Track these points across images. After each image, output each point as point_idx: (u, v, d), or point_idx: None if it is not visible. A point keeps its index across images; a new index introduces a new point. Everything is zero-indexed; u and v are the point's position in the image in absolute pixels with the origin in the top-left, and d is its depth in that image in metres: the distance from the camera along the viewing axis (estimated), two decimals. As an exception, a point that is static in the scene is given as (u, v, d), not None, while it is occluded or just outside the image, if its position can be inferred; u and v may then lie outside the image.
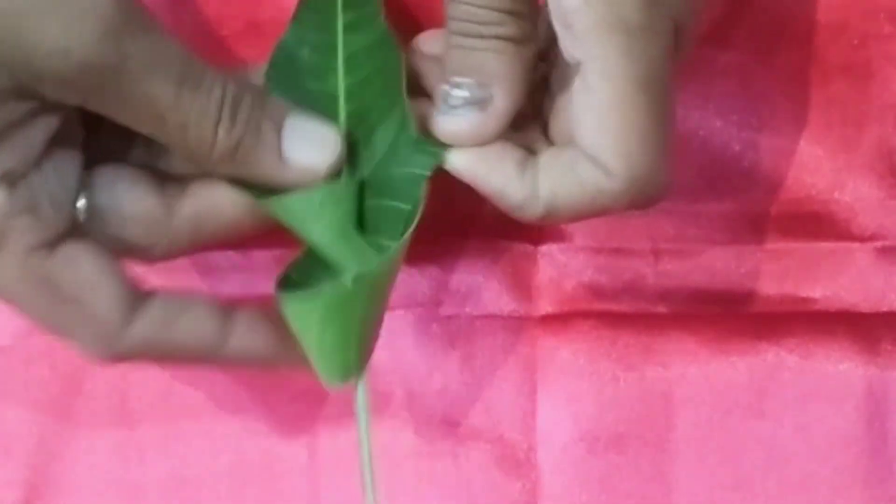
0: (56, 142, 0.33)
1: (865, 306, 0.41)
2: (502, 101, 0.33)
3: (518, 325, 0.41)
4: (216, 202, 0.35)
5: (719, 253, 0.41)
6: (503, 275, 0.41)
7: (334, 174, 0.35)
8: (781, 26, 0.40)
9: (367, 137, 0.36)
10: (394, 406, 0.41)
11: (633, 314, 0.41)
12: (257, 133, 0.34)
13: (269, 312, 0.35)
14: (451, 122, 0.34)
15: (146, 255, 0.35)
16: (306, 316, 0.34)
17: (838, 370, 0.40)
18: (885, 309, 0.41)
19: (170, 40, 0.32)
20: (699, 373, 0.40)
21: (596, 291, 0.41)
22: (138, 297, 0.34)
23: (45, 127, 0.32)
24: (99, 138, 0.35)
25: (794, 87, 0.41)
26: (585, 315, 0.41)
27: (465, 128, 0.34)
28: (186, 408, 0.41)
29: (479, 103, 0.33)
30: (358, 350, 0.35)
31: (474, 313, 0.41)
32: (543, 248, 0.41)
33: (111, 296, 0.33)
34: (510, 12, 0.33)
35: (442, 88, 0.34)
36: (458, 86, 0.34)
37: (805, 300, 0.41)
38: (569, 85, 0.33)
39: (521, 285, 0.41)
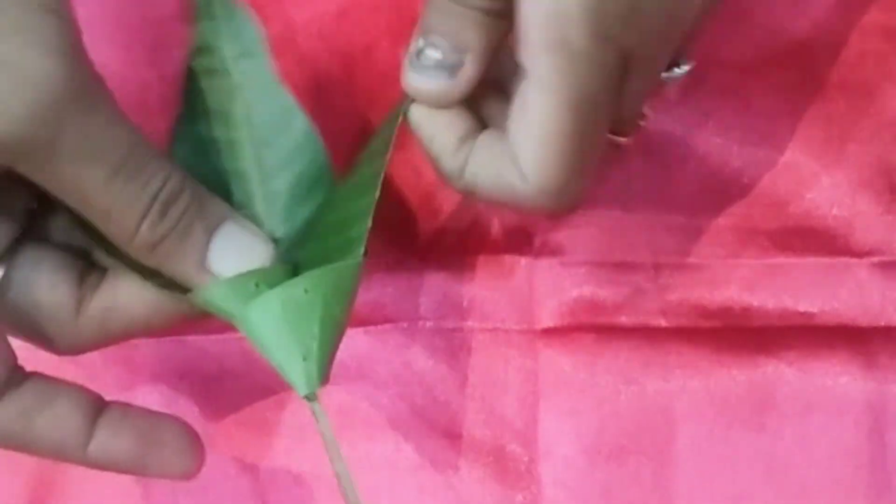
0: None
1: (863, 321, 0.41)
2: (471, 71, 0.34)
3: (519, 338, 0.41)
4: (124, 300, 0.35)
5: (719, 267, 0.41)
6: (504, 288, 0.41)
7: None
8: (780, 44, 0.40)
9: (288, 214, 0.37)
10: (396, 418, 0.41)
11: (634, 328, 0.41)
12: (184, 235, 0.33)
13: (138, 413, 0.34)
14: (420, 80, 0.34)
15: (50, 346, 0.35)
16: (263, 321, 0.33)
17: (837, 384, 0.40)
18: (882, 323, 0.41)
19: (118, 123, 0.32)
20: (699, 386, 0.41)
21: (597, 305, 0.41)
22: (7, 385, 0.32)
23: None
24: (45, 213, 0.35)
25: (792, 105, 0.41)
26: (586, 328, 0.41)
27: (432, 89, 0.34)
28: (192, 418, 0.40)
29: (450, 68, 0.34)
30: (319, 357, 0.33)
31: (476, 327, 0.41)
32: (544, 262, 0.41)
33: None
34: None
35: (417, 44, 0.34)
36: (433, 46, 0.34)
37: (804, 314, 0.41)
38: (518, 83, 0.33)
39: (523, 299, 0.41)
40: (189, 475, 0.35)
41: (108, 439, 0.33)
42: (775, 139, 0.41)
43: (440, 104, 0.35)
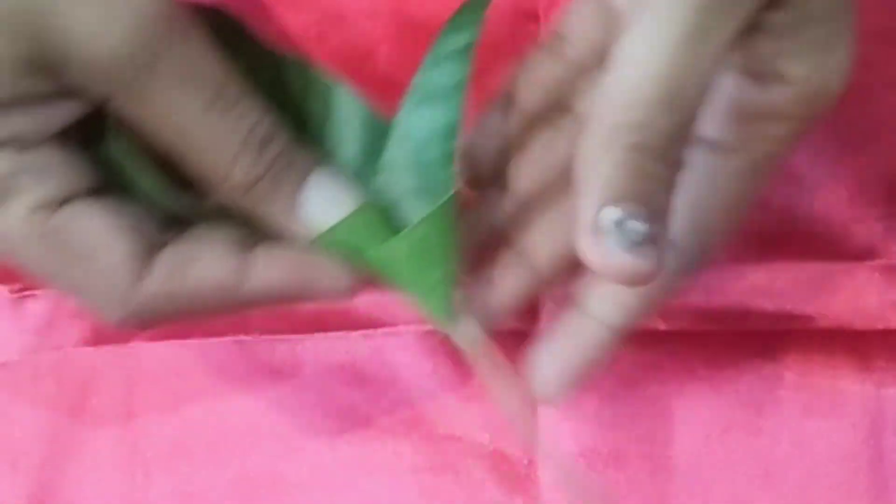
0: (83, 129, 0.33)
1: (861, 324, 0.41)
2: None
3: (518, 341, 0.41)
4: (199, 262, 0.33)
5: (716, 271, 0.42)
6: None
7: None
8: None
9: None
10: (395, 421, 0.41)
11: (632, 331, 0.41)
12: (278, 178, 0.33)
13: (289, 242, 0.34)
14: (635, 262, 0.28)
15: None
16: (394, 261, 0.33)
17: (835, 387, 0.40)
18: (880, 327, 0.41)
19: (211, 57, 0.32)
20: (697, 389, 0.41)
21: None
22: (151, 250, 0.33)
23: (68, 110, 0.32)
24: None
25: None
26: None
27: (648, 271, 0.28)
28: (192, 423, 0.41)
29: (654, 241, 0.28)
30: (450, 288, 0.34)
31: None
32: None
33: (120, 251, 0.32)
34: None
35: (611, 213, 0.28)
36: (635, 217, 0.28)
37: (801, 318, 0.41)
38: None
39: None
40: (352, 293, 0.34)
41: (265, 271, 0.33)
42: None
43: (642, 285, 0.29)
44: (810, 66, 0.31)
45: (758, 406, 0.40)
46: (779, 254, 0.42)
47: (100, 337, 0.43)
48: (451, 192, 0.33)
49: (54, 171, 0.32)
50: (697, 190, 0.34)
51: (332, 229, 0.33)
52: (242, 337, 0.42)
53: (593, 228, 0.28)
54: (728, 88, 0.33)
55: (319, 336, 0.42)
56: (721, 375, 0.41)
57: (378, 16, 0.40)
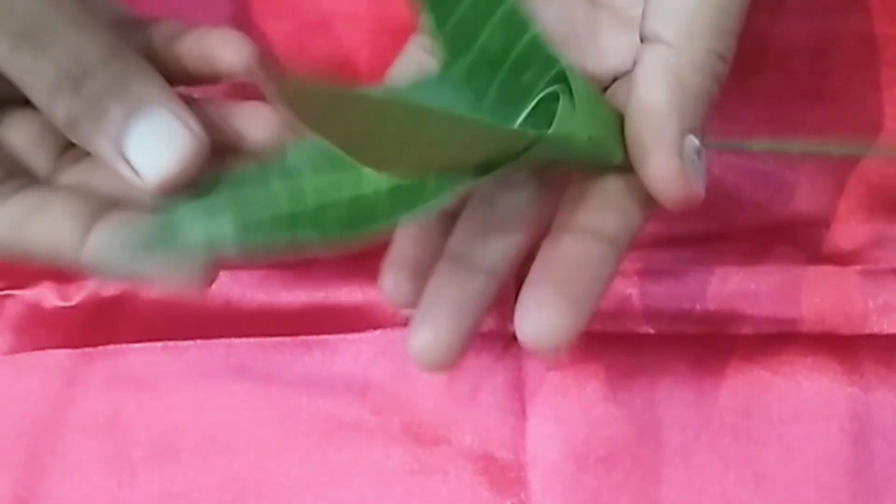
0: None
1: (847, 328, 0.41)
2: None
3: (506, 344, 0.41)
4: (97, 180, 0.33)
5: (703, 275, 0.42)
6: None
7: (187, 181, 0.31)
8: (758, 51, 0.41)
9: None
10: (384, 424, 0.41)
11: (620, 334, 0.41)
12: (97, 117, 0.30)
13: (136, 217, 0.31)
14: (700, 187, 0.30)
15: None
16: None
17: (822, 391, 0.40)
18: (866, 331, 0.41)
19: None
20: (685, 393, 0.41)
21: None
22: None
23: None
24: None
25: (771, 111, 0.42)
26: (572, 335, 0.41)
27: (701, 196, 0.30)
28: (178, 424, 0.41)
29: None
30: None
31: None
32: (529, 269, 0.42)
33: None
34: None
35: (692, 142, 0.30)
36: (694, 140, 0.30)
37: (788, 321, 0.41)
38: None
39: (508, 304, 0.41)
40: (195, 288, 0.31)
41: (103, 247, 0.31)
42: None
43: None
44: None
45: (746, 410, 0.40)
46: (764, 258, 0.42)
47: (82, 338, 0.43)
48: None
49: None
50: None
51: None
52: (230, 339, 0.42)
53: (679, 154, 0.29)
54: None
55: (307, 339, 0.42)
56: (709, 379, 0.41)
57: (359, 22, 0.41)
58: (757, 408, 0.40)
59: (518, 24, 0.30)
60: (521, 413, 0.41)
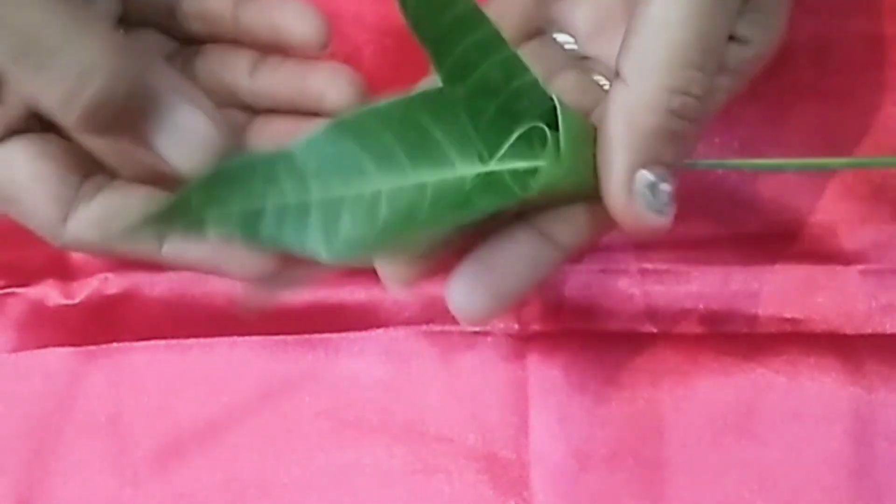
0: None
1: (850, 328, 0.41)
2: None
3: (508, 343, 0.41)
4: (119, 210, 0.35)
5: (705, 274, 0.42)
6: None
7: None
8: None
9: None
10: (387, 423, 0.41)
11: (622, 333, 0.41)
12: (131, 126, 0.32)
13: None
14: (658, 220, 0.31)
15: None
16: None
17: (825, 391, 0.40)
18: (869, 330, 0.41)
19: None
20: (688, 392, 0.41)
21: (584, 310, 0.41)
22: (82, 198, 0.34)
23: None
24: None
25: (774, 111, 0.42)
26: (575, 334, 0.41)
27: (665, 226, 0.31)
28: (180, 423, 0.41)
29: (674, 199, 0.31)
30: None
31: (465, 332, 0.41)
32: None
33: (44, 198, 0.34)
34: None
35: (645, 177, 0.30)
36: (664, 179, 0.31)
37: (790, 321, 0.41)
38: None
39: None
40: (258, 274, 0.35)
41: (181, 248, 0.34)
42: (757, 145, 0.42)
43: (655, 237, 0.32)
44: (765, 29, 0.32)
45: (748, 409, 0.40)
46: (766, 258, 0.42)
47: (85, 336, 0.43)
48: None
49: None
50: None
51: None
52: (232, 338, 0.42)
53: (627, 189, 0.30)
54: None
55: (310, 337, 0.42)
56: (711, 379, 0.41)
57: (363, 21, 0.41)
58: (759, 407, 0.40)
59: (515, 68, 0.31)
60: (524, 412, 0.40)
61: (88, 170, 0.35)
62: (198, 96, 0.33)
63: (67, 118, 0.30)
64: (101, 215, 0.34)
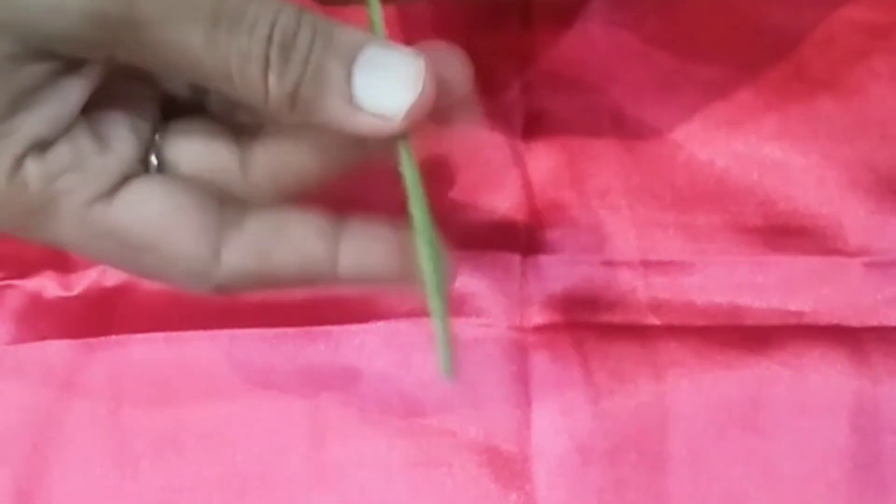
0: (108, 96, 0.31)
1: (855, 321, 0.41)
2: None
3: (510, 335, 0.41)
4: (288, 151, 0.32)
5: (708, 266, 0.42)
6: (494, 286, 0.41)
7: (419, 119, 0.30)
8: (767, 40, 0.41)
9: None
10: (388, 416, 0.40)
11: (625, 326, 0.41)
12: (319, 75, 0.29)
13: (381, 224, 0.32)
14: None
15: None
16: None
17: (830, 384, 0.40)
18: (874, 323, 0.41)
19: None
20: (691, 385, 0.40)
21: (587, 303, 0.41)
22: (228, 224, 0.31)
23: (78, 85, 0.30)
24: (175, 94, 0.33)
25: (779, 101, 0.42)
26: (577, 326, 0.41)
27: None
28: (180, 416, 0.41)
29: None
30: None
31: (467, 324, 0.41)
32: (533, 260, 0.42)
33: (187, 234, 0.30)
34: None
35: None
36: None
37: (795, 313, 0.41)
38: None
39: (512, 296, 0.41)
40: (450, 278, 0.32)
41: (357, 255, 0.31)
42: (762, 137, 0.42)
43: None
44: None
45: (753, 403, 0.40)
46: (770, 249, 0.42)
47: (84, 329, 0.42)
48: None
49: (91, 160, 0.30)
50: None
51: None
52: (233, 330, 0.41)
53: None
54: None
55: (310, 329, 0.41)
56: (715, 372, 0.40)
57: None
58: (764, 400, 0.40)
59: None
60: (527, 405, 0.40)
61: (222, 200, 0.32)
62: (383, 36, 0.31)
63: (272, 82, 0.29)
64: (259, 239, 0.31)
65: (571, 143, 0.43)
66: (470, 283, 0.41)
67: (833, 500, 0.39)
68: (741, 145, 0.42)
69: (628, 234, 0.42)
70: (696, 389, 0.40)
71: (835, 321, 0.41)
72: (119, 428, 0.41)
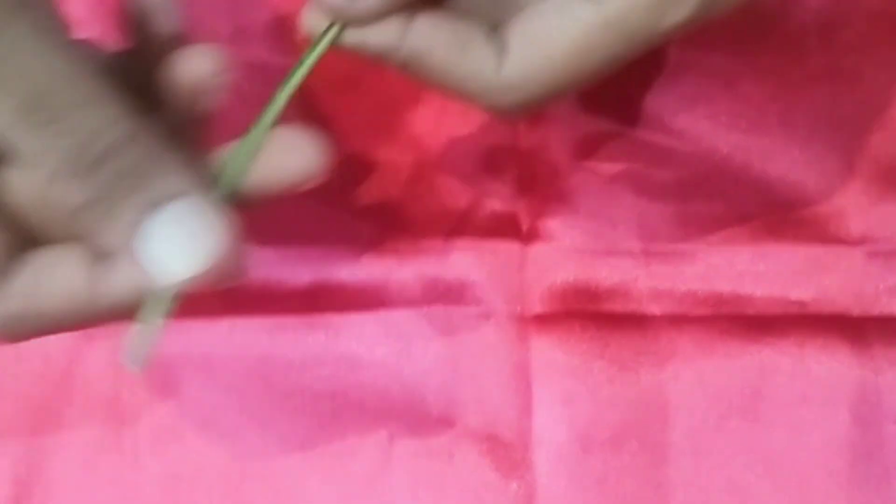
0: None
1: (857, 310, 0.41)
2: None
3: (511, 325, 0.41)
4: (48, 285, 0.29)
5: (710, 254, 0.42)
6: (494, 275, 0.41)
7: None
8: (769, 29, 0.41)
9: None
10: (389, 406, 0.40)
11: (626, 315, 0.41)
12: (111, 205, 0.27)
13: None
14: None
15: None
16: None
17: (831, 373, 0.40)
18: (876, 312, 0.41)
19: (33, 55, 0.26)
20: (692, 374, 0.40)
21: (587, 292, 0.41)
22: (5, 272, 0.29)
23: None
24: None
25: (781, 90, 0.42)
26: (577, 315, 0.41)
27: None
28: (180, 405, 0.41)
29: None
30: None
31: (467, 313, 0.41)
32: (534, 249, 0.42)
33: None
34: None
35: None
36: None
37: (796, 303, 0.41)
38: None
39: (512, 285, 0.41)
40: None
41: (117, 288, 0.29)
42: (764, 125, 0.42)
43: None
44: None
45: (754, 392, 0.40)
46: (772, 239, 0.42)
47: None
48: None
49: None
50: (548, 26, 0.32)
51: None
52: (232, 319, 0.41)
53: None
54: None
55: (310, 319, 0.41)
56: (716, 361, 0.40)
57: None
58: (765, 390, 0.40)
59: None
60: (527, 394, 0.40)
61: (13, 246, 0.30)
62: (203, 194, 0.29)
63: (63, 187, 0.27)
64: (27, 285, 0.29)
65: (572, 132, 0.43)
66: (470, 272, 0.41)
67: (834, 490, 0.39)
68: (743, 134, 0.41)
69: (629, 223, 0.42)
70: (696, 379, 0.40)
71: (837, 310, 0.41)
72: (118, 416, 0.41)
